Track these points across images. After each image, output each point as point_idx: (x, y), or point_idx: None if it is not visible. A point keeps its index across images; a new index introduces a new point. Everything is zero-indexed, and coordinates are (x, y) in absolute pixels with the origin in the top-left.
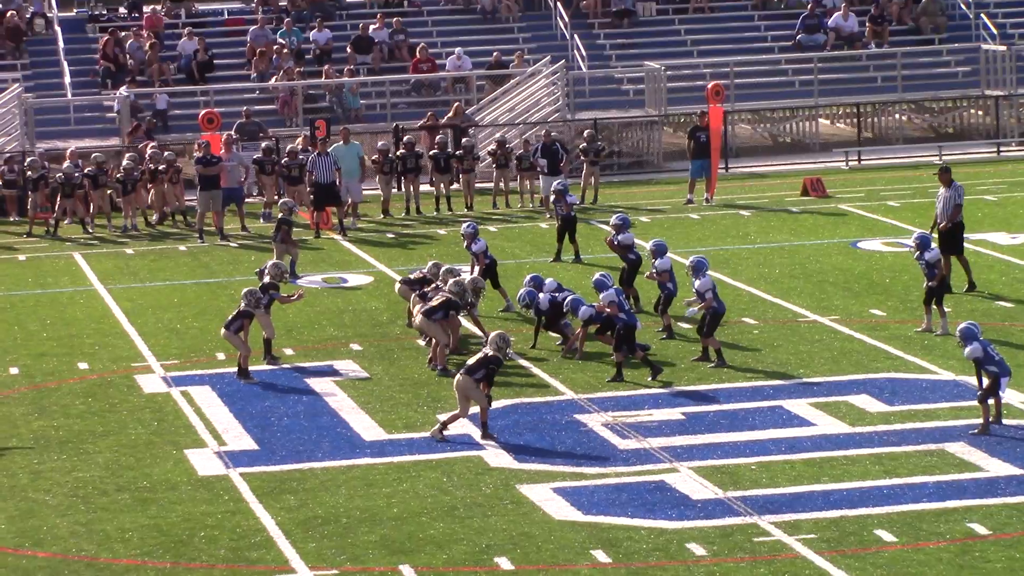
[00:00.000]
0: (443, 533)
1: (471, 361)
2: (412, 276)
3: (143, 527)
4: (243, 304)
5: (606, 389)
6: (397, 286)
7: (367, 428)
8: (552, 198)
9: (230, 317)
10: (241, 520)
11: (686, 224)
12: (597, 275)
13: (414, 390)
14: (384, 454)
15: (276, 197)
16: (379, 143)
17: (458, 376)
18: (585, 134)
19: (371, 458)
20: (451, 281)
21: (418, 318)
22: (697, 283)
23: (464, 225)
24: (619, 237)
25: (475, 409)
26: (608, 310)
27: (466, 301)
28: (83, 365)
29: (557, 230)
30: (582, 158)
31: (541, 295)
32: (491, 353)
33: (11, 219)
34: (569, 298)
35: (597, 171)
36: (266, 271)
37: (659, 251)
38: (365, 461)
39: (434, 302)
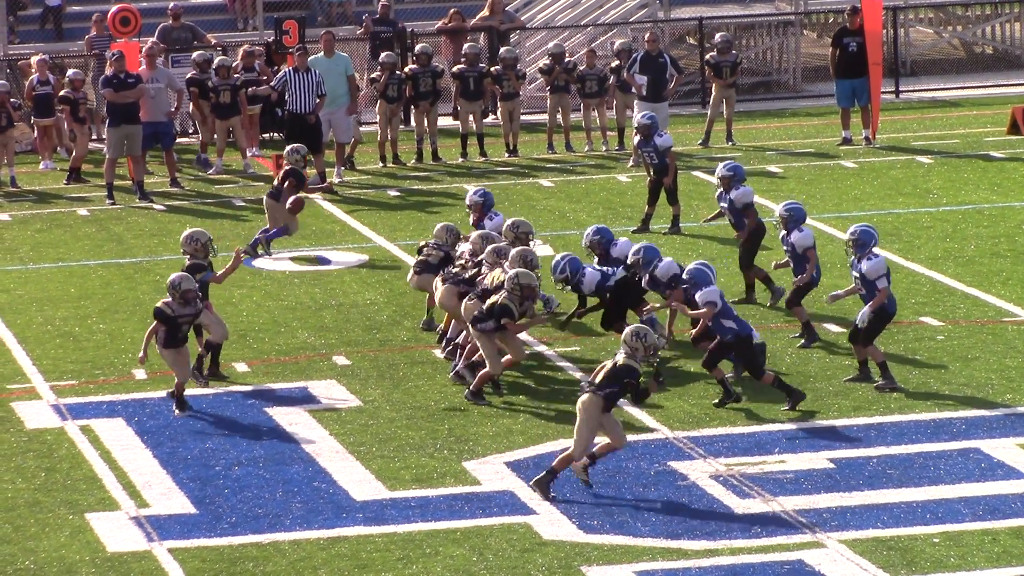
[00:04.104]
0: None
1: (599, 373)
2: (459, 269)
3: None
4: (176, 304)
5: (716, 423)
6: (412, 277)
7: (359, 482)
8: (637, 138)
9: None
10: None
11: (836, 175)
12: (695, 264)
13: (429, 424)
14: (384, 520)
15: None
16: (381, 55)
17: (584, 396)
18: (717, 39)
19: (365, 526)
20: (513, 274)
21: (439, 291)
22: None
23: (472, 192)
24: (730, 196)
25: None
26: (686, 310)
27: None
28: None
29: (648, 185)
30: (710, 75)
31: (589, 269)
32: (622, 361)
33: None
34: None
35: (733, 95)
36: (183, 250)
37: (795, 218)
38: (356, 531)
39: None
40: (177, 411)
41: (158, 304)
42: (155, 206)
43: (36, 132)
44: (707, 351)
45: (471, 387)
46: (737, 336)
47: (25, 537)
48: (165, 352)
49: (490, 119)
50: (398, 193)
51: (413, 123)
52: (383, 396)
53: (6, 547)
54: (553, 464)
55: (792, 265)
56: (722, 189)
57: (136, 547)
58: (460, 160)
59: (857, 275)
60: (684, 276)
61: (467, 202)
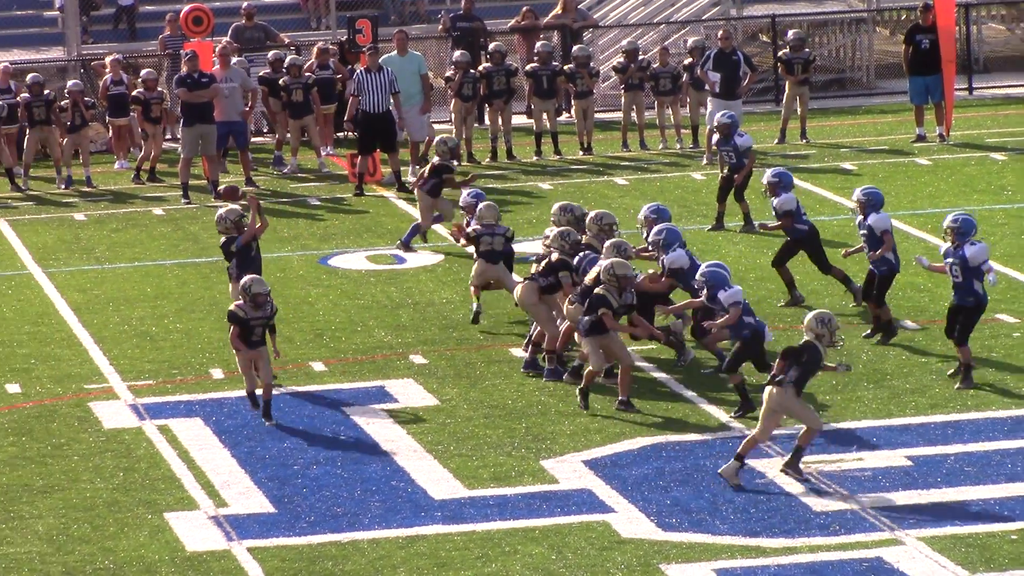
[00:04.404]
0: None
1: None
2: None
3: None
4: (248, 306)
5: (793, 421)
6: (523, 293)
7: (437, 481)
8: (714, 136)
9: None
10: None
11: (910, 172)
12: (708, 265)
13: (506, 423)
14: (462, 519)
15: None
16: (455, 54)
17: (770, 389)
18: (789, 36)
19: (444, 525)
20: (608, 264)
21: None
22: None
23: (465, 193)
24: (775, 202)
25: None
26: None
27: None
28: (12, 387)
29: (720, 183)
30: (783, 72)
31: (671, 255)
32: (808, 339)
33: None
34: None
35: (806, 92)
36: (218, 229)
37: (872, 202)
38: (435, 530)
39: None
40: (255, 409)
41: (231, 307)
42: (230, 205)
43: (111, 132)
44: (732, 355)
45: (581, 387)
46: (754, 332)
47: (104, 537)
48: (239, 356)
49: (564, 117)
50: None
51: (487, 121)
52: (460, 395)
53: (85, 547)
54: (739, 450)
55: (867, 249)
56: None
57: (215, 546)
58: (535, 158)
59: (955, 261)
60: (698, 277)
61: (460, 202)
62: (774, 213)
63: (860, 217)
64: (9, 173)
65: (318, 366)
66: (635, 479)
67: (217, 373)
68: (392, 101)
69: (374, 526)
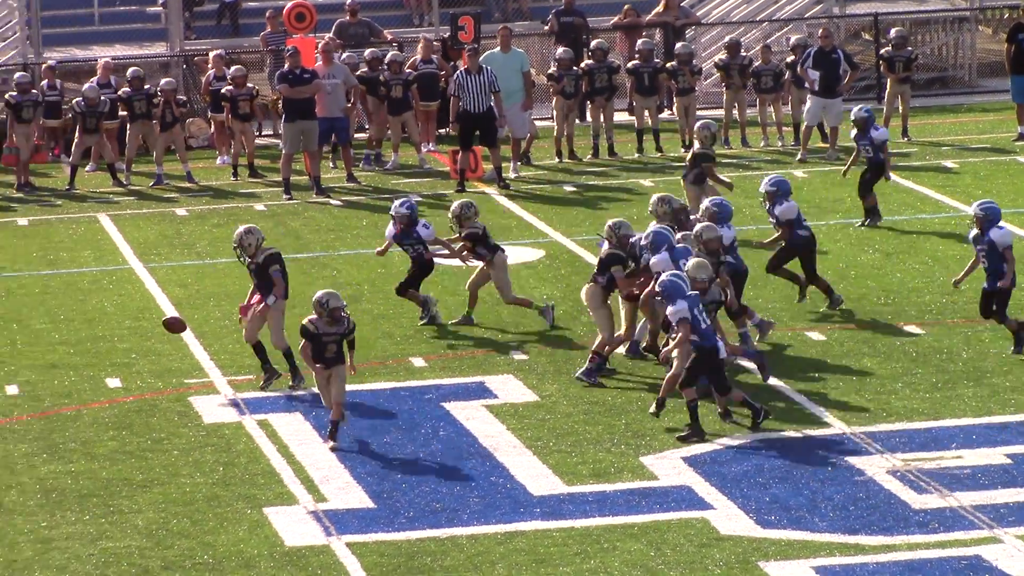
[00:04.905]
0: None
1: None
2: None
3: None
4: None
5: (893, 419)
6: (587, 295)
7: (536, 477)
8: (853, 132)
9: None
10: None
11: (1012, 171)
12: (668, 273)
13: (606, 419)
14: (561, 515)
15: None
16: (558, 51)
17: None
18: (892, 34)
19: (543, 521)
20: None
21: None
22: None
23: (397, 203)
24: (777, 210)
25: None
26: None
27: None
28: (113, 382)
29: (860, 177)
30: (885, 70)
31: (655, 257)
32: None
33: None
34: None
35: (908, 90)
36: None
37: (990, 218)
38: (534, 526)
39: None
40: (330, 441)
41: (304, 321)
42: (332, 201)
43: (212, 128)
44: (686, 370)
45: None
46: (699, 348)
47: (203, 531)
48: (315, 372)
49: (666, 115)
50: (574, 188)
51: (589, 118)
52: (560, 391)
53: (185, 541)
54: None
55: (986, 265)
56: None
57: (314, 541)
58: (636, 156)
59: (983, 247)
60: (657, 287)
61: (391, 211)
62: (774, 223)
63: (976, 232)
64: (111, 168)
65: (418, 361)
66: (734, 476)
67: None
68: (493, 99)
69: (473, 522)
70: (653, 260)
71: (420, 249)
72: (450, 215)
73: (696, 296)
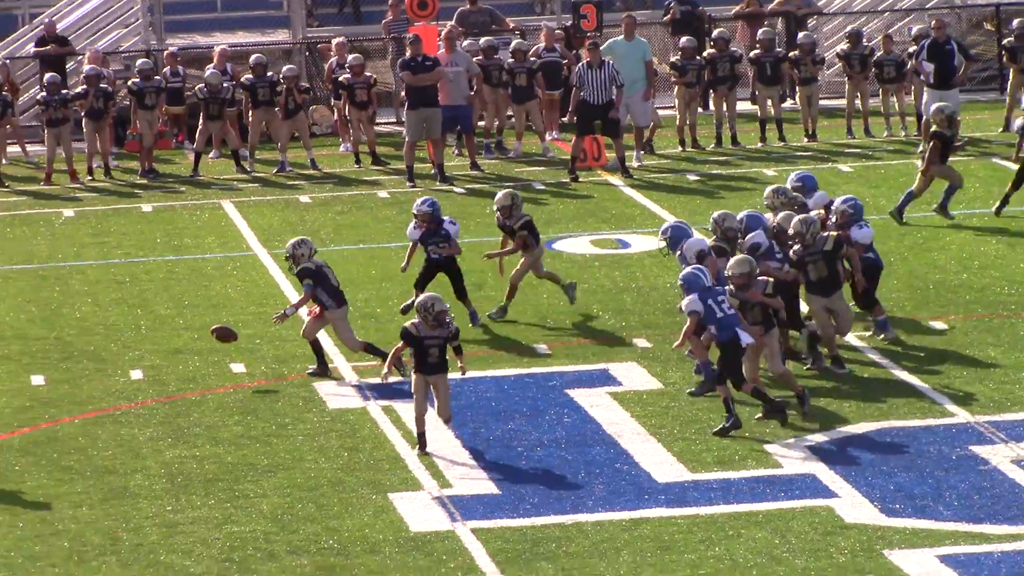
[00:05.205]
0: None
1: None
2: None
3: None
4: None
5: (1017, 408)
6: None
7: (661, 464)
8: (1018, 121)
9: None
10: None
11: None
12: (688, 270)
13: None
14: (686, 502)
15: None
16: (681, 40)
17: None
18: (1014, 24)
19: (667, 508)
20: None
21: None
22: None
23: (419, 202)
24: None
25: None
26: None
27: None
28: (238, 367)
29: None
30: (1007, 61)
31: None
32: None
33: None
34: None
35: None
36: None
37: None
38: (659, 513)
39: None
40: (417, 449)
41: (407, 324)
42: (455, 189)
43: (336, 115)
44: (716, 366)
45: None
46: (720, 342)
47: (328, 516)
48: (414, 378)
49: (788, 104)
50: (697, 177)
51: (712, 108)
52: (684, 379)
53: (310, 526)
54: None
55: None
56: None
57: (439, 527)
58: (759, 145)
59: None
60: (679, 281)
61: (414, 211)
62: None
63: None
64: (235, 155)
65: (542, 348)
66: (858, 464)
67: None
68: (615, 93)
69: (598, 508)
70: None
71: (444, 248)
72: (496, 206)
73: (713, 288)
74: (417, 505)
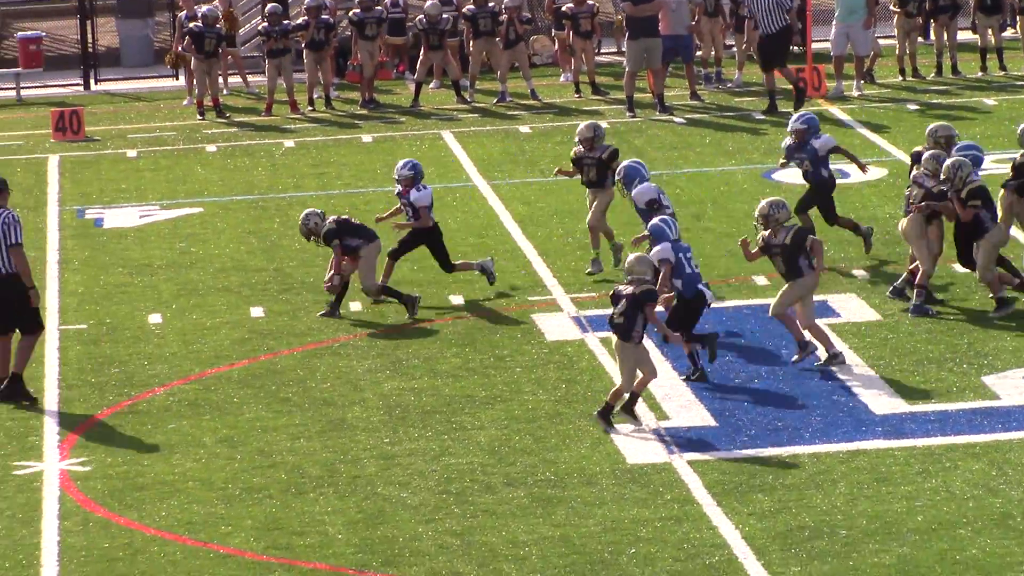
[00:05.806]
0: (987, 552)
1: None
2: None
3: (546, 539)
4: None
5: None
6: (908, 225)
7: (878, 396)
8: None
9: None
10: (691, 531)
11: None
12: (656, 220)
13: (948, 339)
14: (903, 434)
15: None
16: None
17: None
18: None
19: (885, 440)
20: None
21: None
22: None
23: (399, 165)
24: (813, 145)
25: None
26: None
27: None
28: (456, 299)
29: None
30: None
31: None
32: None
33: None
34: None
35: None
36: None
37: None
38: (876, 444)
39: None
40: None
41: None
42: (675, 119)
43: (556, 45)
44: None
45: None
46: (679, 296)
47: (545, 448)
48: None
49: (1009, 33)
50: (917, 107)
51: (932, 37)
52: (902, 310)
53: (527, 457)
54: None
55: None
56: (796, 141)
57: (656, 459)
58: (979, 74)
59: None
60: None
61: (395, 174)
62: (806, 158)
63: None
64: (455, 85)
65: (760, 280)
66: None
67: (761, 279)
68: (787, 19)
69: (815, 440)
70: (636, 191)
71: (411, 213)
72: (578, 137)
73: (680, 243)
74: (633, 437)
